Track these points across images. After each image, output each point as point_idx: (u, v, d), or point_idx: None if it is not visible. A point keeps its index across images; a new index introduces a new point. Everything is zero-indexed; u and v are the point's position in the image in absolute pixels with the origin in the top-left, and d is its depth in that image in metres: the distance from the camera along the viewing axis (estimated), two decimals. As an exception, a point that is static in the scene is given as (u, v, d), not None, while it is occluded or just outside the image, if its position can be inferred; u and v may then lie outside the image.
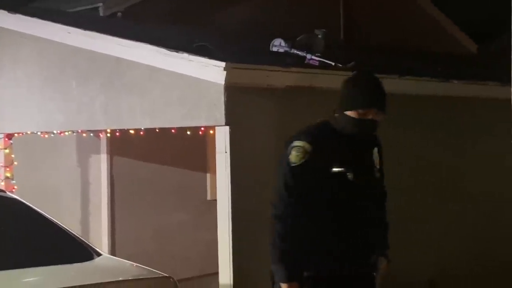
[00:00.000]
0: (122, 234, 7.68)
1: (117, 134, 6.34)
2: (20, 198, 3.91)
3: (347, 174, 3.18)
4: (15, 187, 6.64)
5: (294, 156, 3.17)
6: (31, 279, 3.19)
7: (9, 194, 3.94)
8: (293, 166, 3.17)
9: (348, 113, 3.24)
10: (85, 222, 7.80)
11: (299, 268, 3.18)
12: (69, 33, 5.84)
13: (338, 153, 3.21)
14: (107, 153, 7.64)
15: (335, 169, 3.19)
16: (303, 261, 3.19)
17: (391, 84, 5.73)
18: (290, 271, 3.15)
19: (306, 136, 3.21)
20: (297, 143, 3.19)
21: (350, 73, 5.38)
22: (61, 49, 6.02)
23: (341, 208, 3.20)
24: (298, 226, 3.18)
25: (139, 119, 5.53)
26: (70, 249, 3.55)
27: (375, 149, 3.38)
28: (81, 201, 7.87)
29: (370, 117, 3.22)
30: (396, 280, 4.70)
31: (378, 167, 3.37)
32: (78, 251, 3.53)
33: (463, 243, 6.17)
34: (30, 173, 7.39)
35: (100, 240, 7.57)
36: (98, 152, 7.71)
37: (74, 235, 3.69)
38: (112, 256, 3.50)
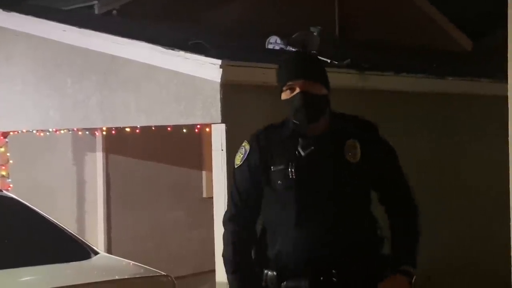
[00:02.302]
0: (118, 232, 7.68)
1: (113, 132, 6.33)
2: (16, 196, 3.90)
3: (288, 171, 2.78)
4: (11, 185, 6.63)
5: (237, 157, 2.97)
6: (28, 278, 3.18)
7: (5, 192, 3.93)
8: (236, 167, 2.96)
9: (282, 96, 2.84)
10: (81, 221, 7.80)
11: (253, 278, 2.86)
12: (64, 31, 5.83)
13: (283, 149, 2.84)
14: (102, 151, 7.63)
15: (275, 168, 2.82)
16: (255, 271, 2.86)
17: (387, 81, 5.77)
18: (243, 282, 2.86)
19: (251, 136, 2.96)
20: (243, 143, 2.97)
21: (346, 70, 5.44)
22: (56, 47, 6.01)
23: (289, 211, 2.79)
24: (248, 231, 2.90)
25: (134, 117, 5.53)
26: (67, 247, 3.55)
27: (351, 141, 2.84)
28: (77, 200, 7.87)
29: (298, 90, 2.76)
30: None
31: (353, 161, 2.82)
32: (75, 249, 3.52)
33: (459, 238, 6.18)
34: (26, 171, 7.38)
35: (96, 238, 7.56)
36: (93, 150, 7.70)
37: (71, 233, 3.68)
38: (109, 255, 3.50)
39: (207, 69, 4.80)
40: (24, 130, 6.56)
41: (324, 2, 9.70)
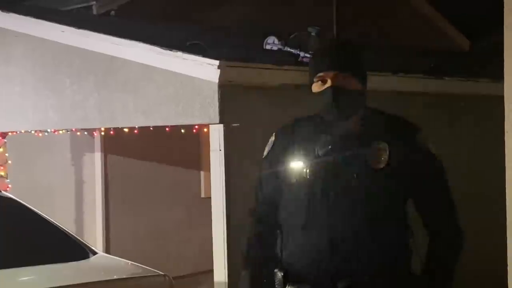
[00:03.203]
0: (116, 232, 7.69)
1: (112, 132, 6.34)
2: (15, 197, 3.91)
3: (304, 169, 2.57)
4: (9, 186, 6.64)
5: (265, 149, 2.78)
6: (27, 278, 3.20)
7: (4, 193, 3.94)
8: (262, 159, 2.77)
9: (313, 88, 2.62)
10: (79, 221, 7.81)
11: (265, 277, 2.69)
12: (62, 31, 5.84)
13: (306, 146, 2.61)
14: (101, 151, 7.65)
15: (294, 164, 2.62)
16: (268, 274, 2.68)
17: (384, 81, 5.77)
18: (253, 280, 2.72)
19: (279, 128, 2.77)
20: (272, 135, 2.78)
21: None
22: (55, 48, 6.02)
23: (299, 212, 2.59)
24: (265, 227, 2.73)
25: (133, 117, 5.54)
26: (65, 248, 3.56)
27: (379, 144, 2.54)
28: (75, 200, 7.88)
29: (329, 84, 2.53)
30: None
31: (377, 167, 2.52)
32: (73, 249, 3.54)
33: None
34: (24, 172, 7.39)
35: (94, 238, 7.58)
36: (92, 150, 7.72)
37: (70, 233, 3.70)
38: (107, 255, 3.51)
39: (205, 70, 4.81)
40: (22, 131, 6.56)
41: (321, 2, 9.71)
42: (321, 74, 2.57)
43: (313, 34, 5.69)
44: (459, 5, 11.82)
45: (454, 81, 6.32)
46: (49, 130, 6.43)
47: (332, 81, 2.54)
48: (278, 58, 5.28)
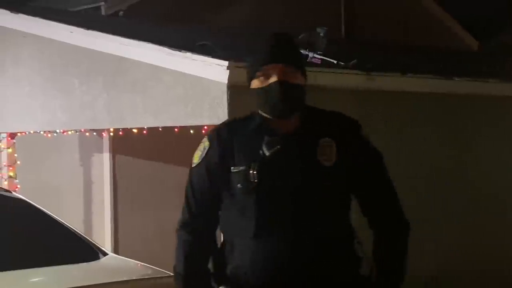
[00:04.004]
0: (125, 233, 7.69)
1: (121, 133, 6.35)
2: (25, 198, 3.92)
3: (249, 172, 2.36)
4: (18, 186, 6.65)
5: (195, 155, 2.55)
6: (38, 279, 3.20)
7: (15, 194, 3.96)
8: (193, 166, 2.53)
9: (253, 84, 2.43)
10: (88, 221, 7.81)
11: None
12: (71, 32, 5.85)
13: (246, 147, 2.40)
14: (109, 152, 7.64)
15: (235, 168, 2.40)
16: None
17: (393, 81, 5.76)
18: None
19: (212, 131, 2.55)
20: (203, 139, 2.55)
21: (352, 71, 5.44)
22: (64, 49, 6.03)
23: (247, 219, 2.37)
24: (202, 242, 2.49)
25: (142, 118, 5.54)
26: (76, 249, 3.57)
27: (326, 141, 2.41)
28: (83, 200, 7.88)
29: (275, 79, 2.34)
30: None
31: (327, 164, 2.39)
32: (84, 250, 3.54)
33: (466, 240, 6.17)
34: (33, 172, 7.40)
35: (103, 239, 7.58)
36: (100, 151, 7.72)
37: (80, 234, 3.70)
38: (118, 256, 3.51)
39: (214, 70, 4.81)
40: (31, 131, 6.58)
41: (330, 3, 9.69)
42: (265, 67, 2.38)
43: (321, 34, 5.69)
44: (467, 6, 11.77)
45: (463, 81, 6.30)
46: (58, 131, 6.44)
47: (279, 75, 2.35)
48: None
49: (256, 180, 2.36)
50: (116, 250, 7.47)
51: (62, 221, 3.74)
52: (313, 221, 2.37)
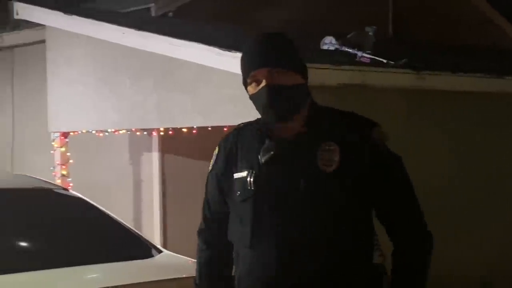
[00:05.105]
0: (173, 230, 7.77)
1: (170, 132, 6.44)
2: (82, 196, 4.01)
3: (247, 180, 2.25)
4: (71, 184, 6.78)
5: (211, 161, 2.46)
6: (94, 275, 3.28)
7: (72, 192, 4.05)
8: (208, 172, 2.46)
9: (249, 91, 2.33)
10: (137, 219, 7.92)
11: None
12: (123, 33, 5.93)
13: (248, 153, 2.30)
14: (158, 151, 7.74)
15: (237, 175, 2.31)
16: None
17: (444, 80, 5.71)
18: None
19: (223, 136, 2.46)
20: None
21: (402, 71, 5.41)
22: (115, 49, 6.13)
23: (245, 228, 2.27)
24: (215, 249, 2.43)
25: (191, 117, 5.61)
26: (131, 246, 3.63)
27: (328, 144, 2.23)
28: (133, 198, 7.99)
29: (265, 83, 2.21)
30: (448, 280, 4.68)
31: (329, 170, 2.20)
32: (139, 248, 3.61)
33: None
34: (84, 170, 7.54)
35: (152, 236, 7.67)
36: (150, 150, 7.82)
37: (135, 232, 3.77)
38: (173, 253, 3.57)
39: (264, 71, 4.83)
40: (84, 131, 6.71)
41: (377, 1, 9.64)
42: (252, 73, 2.26)
43: (370, 33, 5.67)
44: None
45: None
46: (109, 130, 6.55)
47: (266, 79, 2.22)
48: (335, 58, 5.27)
49: (252, 188, 2.25)
50: (165, 248, 7.54)
51: (119, 219, 3.82)
52: (312, 231, 2.19)
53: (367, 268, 2.28)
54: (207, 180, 2.45)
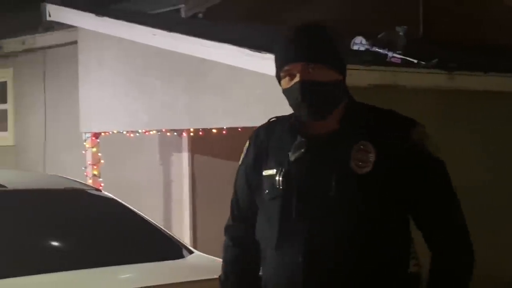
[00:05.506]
0: (203, 231, 7.80)
1: (201, 133, 6.46)
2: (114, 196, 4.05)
3: (276, 178, 2.14)
4: (102, 184, 6.85)
5: (242, 155, 2.33)
6: (127, 275, 3.30)
7: (104, 193, 4.09)
8: (239, 166, 2.33)
9: (282, 85, 2.18)
10: (167, 219, 7.97)
11: None
12: (154, 35, 5.98)
13: (279, 150, 2.18)
14: (188, 151, 7.78)
15: (266, 172, 2.19)
16: None
17: (476, 81, 5.66)
18: None
19: (254, 130, 2.33)
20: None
21: (433, 71, 5.38)
22: (146, 51, 6.18)
23: (272, 228, 2.16)
24: (241, 247, 2.33)
25: (221, 118, 5.63)
26: (163, 246, 3.65)
27: (362, 144, 2.10)
28: (163, 199, 8.04)
29: (298, 79, 2.08)
30: (479, 280, 4.63)
31: (361, 172, 2.08)
32: (171, 248, 3.63)
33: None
34: (115, 171, 7.60)
35: (182, 236, 7.72)
36: (179, 150, 7.86)
37: (167, 233, 3.80)
38: (204, 254, 3.59)
39: (294, 71, 4.83)
40: (115, 131, 6.77)
41: (408, 1, 9.58)
42: (286, 67, 2.12)
43: (401, 33, 5.64)
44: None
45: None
46: (140, 131, 6.60)
47: (301, 75, 2.08)
48: (365, 59, 5.25)
49: (280, 187, 2.14)
50: (194, 248, 7.58)
51: (150, 219, 3.85)
52: (342, 236, 2.06)
53: (401, 277, 2.14)
54: (237, 174, 2.34)
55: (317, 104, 2.10)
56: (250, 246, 2.28)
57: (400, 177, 2.08)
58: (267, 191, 2.17)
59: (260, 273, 2.29)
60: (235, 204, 2.33)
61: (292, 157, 2.12)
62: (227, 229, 2.37)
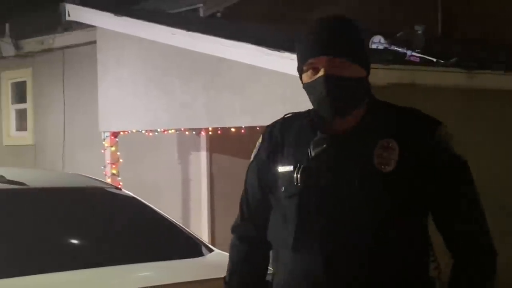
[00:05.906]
0: (221, 229, 7.82)
1: (219, 132, 6.48)
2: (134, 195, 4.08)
3: (294, 175, 2.06)
4: (120, 183, 6.88)
5: (253, 152, 2.24)
6: (147, 273, 3.32)
7: (124, 191, 4.11)
8: (250, 162, 2.25)
9: (303, 79, 2.10)
10: (186, 218, 8.00)
11: None
12: (173, 34, 6.01)
13: (296, 145, 2.11)
14: (206, 150, 7.80)
15: (282, 168, 2.11)
16: None
17: (495, 79, 5.63)
18: None
19: (267, 126, 2.24)
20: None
21: (452, 69, 5.36)
22: (165, 50, 6.21)
23: (288, 228, 2.08)
24: (250, 247, 2.25)
25: (239, 117, 5.65)
26: (183, 245, 3.67)
27: (386, 141, 2.04)
28: (181, 197, 8.07)
29: (321, 73, 2.01)
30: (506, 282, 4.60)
31: (385, 170, 2.02)
32: (191, 246, 3.65)
33: None
34: (134, 169, 7.64)
35: (200, 235, 7.73)
36: (198, 149, 7.88)
37: (187, 231, 3.81)
38: (223, 252, 3.60)
39: (312, 70, 4.84)
40: (134, 130, 6.80)
41: (427, 0, 9.55)
42: (310, 60, 2.03)
43: (419, 32, 5.63)
44: None
45: None
46: (159, 130, 6.63)
47: (325, 69, 2.01)
48: (384, 57, 5.25)
49: (299, 184, 2.05)
50: (212, 246, 7.61)
51: (171, 218, 3.87)
52: (364, 237, 2.00)
53: (422, 280, 2.09)
54: (247, 171, 2.25)
55: (340, 100, 2.03)
56: (258, 246, 2.23)
57: (423, 176, 2.04)
58: (283, 188, 2.09)
59: (268, 275, 2.24)
60: (245, 203, 2.25)
61: (312, 152, 2.05)
62: (235, 228, 2.30)
